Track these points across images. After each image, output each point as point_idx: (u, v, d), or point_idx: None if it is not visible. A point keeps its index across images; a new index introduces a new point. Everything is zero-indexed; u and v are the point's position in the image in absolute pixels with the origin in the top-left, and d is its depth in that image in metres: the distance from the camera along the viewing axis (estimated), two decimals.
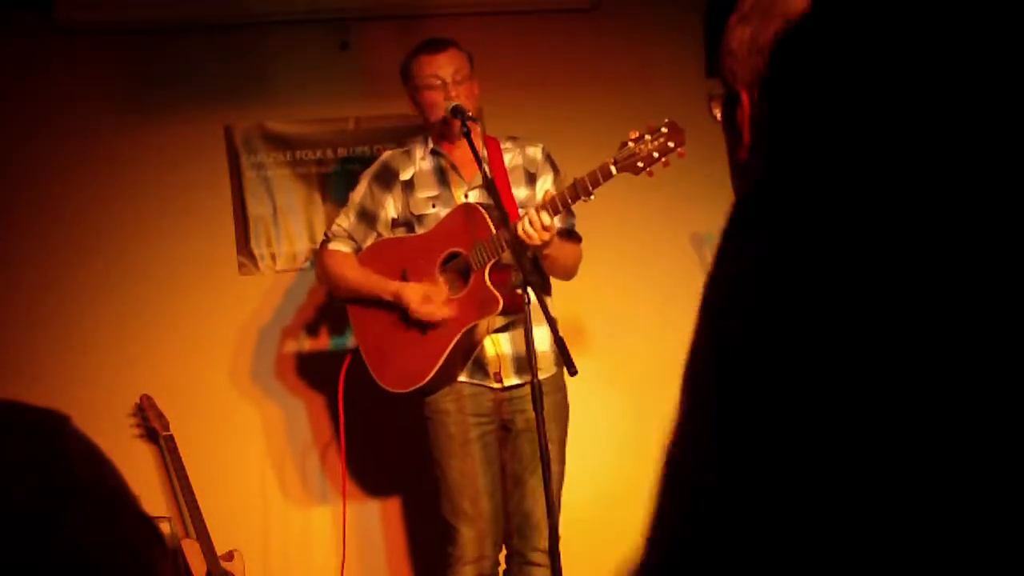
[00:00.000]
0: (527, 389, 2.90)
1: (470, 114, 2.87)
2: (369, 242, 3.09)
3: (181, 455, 3.46)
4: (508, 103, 3.73)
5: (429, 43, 3.04)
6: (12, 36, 3.64)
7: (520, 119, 3.57)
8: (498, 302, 2.83)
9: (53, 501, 0.57)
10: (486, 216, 2.85)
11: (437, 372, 2.93)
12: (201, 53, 3.75)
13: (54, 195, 3.66)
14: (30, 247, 3.65)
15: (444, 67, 2.97)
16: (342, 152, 3.84)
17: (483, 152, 3.01)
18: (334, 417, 3.56)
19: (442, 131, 3.02)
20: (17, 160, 3.64)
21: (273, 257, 3.79)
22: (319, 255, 3.17)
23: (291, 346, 3.81)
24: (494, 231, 2.82)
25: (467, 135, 2.82)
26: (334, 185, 3.80)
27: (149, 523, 0.65)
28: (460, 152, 3.00)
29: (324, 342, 3.80)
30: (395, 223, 3.09)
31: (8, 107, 3.65)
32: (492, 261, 2.84)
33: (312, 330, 3.81)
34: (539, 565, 2.93)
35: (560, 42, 3.92)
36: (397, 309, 2.99)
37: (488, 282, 2.85)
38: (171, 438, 3.48)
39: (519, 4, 3.89)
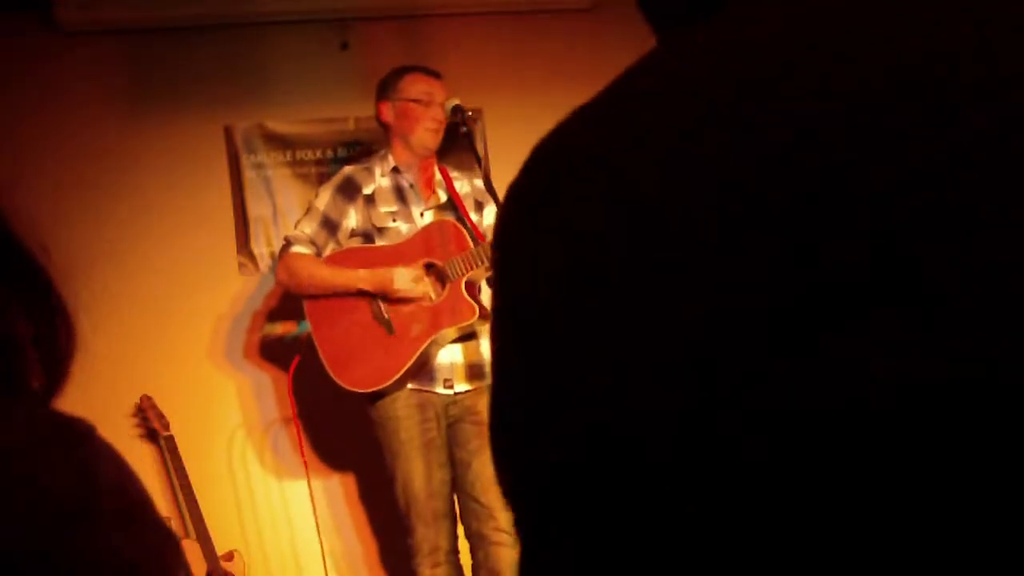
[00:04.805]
0: (476, 393, 3.06)
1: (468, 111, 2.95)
2: (328, 250, 3.12)
3: (181, 455, 3.46)
4: (507, 103, 3.73)
5: (423, 67, 3.15)
6: (12, 36, 3.64)
7: (519, 119, 3.57)
8: (473, 310, 2.98)
9: (87, 504, 0.58)
10: (464, 232, 3.01)
11: (402, 375, 2.99)
12: (201, 53, 3.75)
13: (53, 195, 3.66)
14: (29, 247, 3.65)
15: (439, 93, 3.08)
16: (342, 152, 3.85)
17: (449, 174, 3.19)
18: (335, 416, 3.56)
19: (412, 149, 3.09)
20: (17, 160, 3.64)
21: (273, 257, 3.79)
22: (282, 258, 3.13)
23: (291, 345, 3.80)
24: (472, 245, 2.96)
25: (467, 135, 2.85)
26: None
27: (171, 534, 0.66)
28: (419, 173, 3.13)
29: None
30: (353, 233, 3.13)
31: (8, 107, 3.65)
32: (467, 274, 2.97)
33: None
34: (501, 544, 3.00)
35: (560, 42, 3.92)
36: (364, 308, 3.05)
37: (464, 292, 2.99)
38: (171, 438, 3.47)
39: (519, 4, 3.89)
